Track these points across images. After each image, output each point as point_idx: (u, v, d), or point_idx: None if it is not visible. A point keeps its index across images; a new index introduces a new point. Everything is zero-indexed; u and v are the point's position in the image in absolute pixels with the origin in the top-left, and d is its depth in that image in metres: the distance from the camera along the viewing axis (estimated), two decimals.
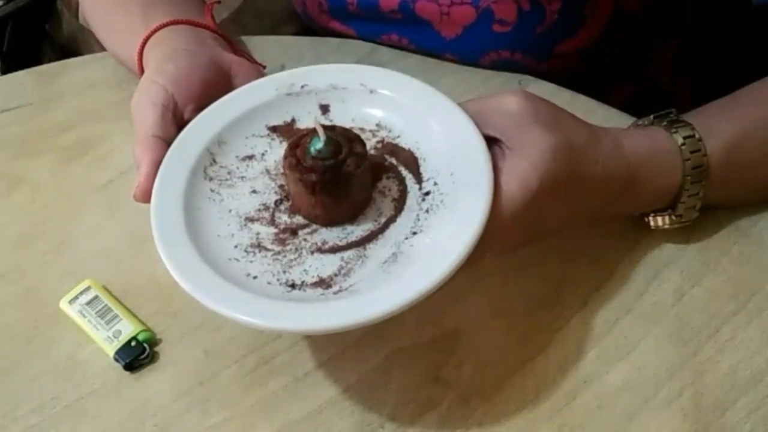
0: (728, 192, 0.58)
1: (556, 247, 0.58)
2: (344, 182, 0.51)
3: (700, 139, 0.55)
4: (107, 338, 0.57)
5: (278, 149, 0.56)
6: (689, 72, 0.86)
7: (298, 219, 0.53)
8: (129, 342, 0.56)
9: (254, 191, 0.55)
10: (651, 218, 0.58)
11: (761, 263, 0.58)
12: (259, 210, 0.54)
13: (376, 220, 0.52)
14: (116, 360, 0.56)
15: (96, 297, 0.59)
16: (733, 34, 0.88)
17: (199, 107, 0.58)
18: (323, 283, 0.50)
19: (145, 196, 0.53)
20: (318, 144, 0.50)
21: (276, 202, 0.54)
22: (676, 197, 0.56)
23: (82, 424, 0.54)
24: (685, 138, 0.55)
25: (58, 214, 0.66)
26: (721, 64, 0.88)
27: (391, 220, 0.52)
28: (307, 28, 0.85)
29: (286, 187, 0.54)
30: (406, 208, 0.52)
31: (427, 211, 0.52)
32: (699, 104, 0.60)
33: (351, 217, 0.53)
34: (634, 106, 0.66)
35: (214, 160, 0.56)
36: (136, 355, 0.56)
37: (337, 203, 0.52)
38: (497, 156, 0.51)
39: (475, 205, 0.49)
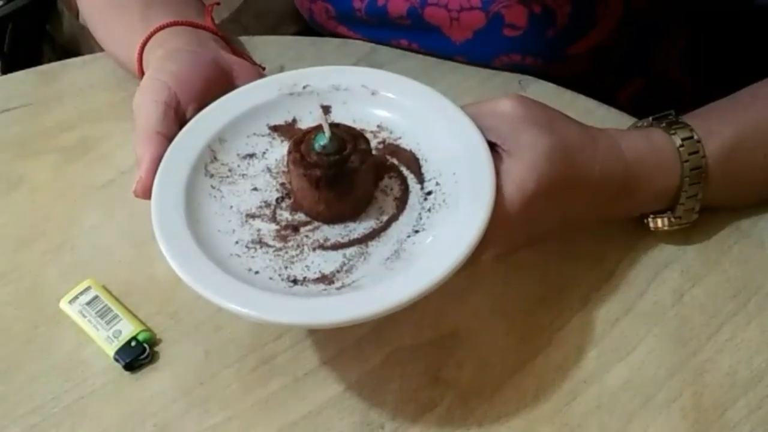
0: (727, 193, 0.58)
1: (556, 247, 0.58)
2: (348, 178, 0.51)
3: (698, 141, 0.55)
4: (107, 338, 0.57)
5: (279, 148, 0.56)
6: (697, 68, 0.86)
7: (300, 216, 0.53)
8: (129, 342, 0.56)
9: (255, 188, 0.55)
10: (650, 220, 0.58)
11: (761, 263, 0.58)
12: (260, 207, 0.54)
13: (378, 218, 0.53)
14: (116, 360, 0.56)
15: (96, 297, 0.59)
16: (739, 31, 0.88)
17: (201, 107, 0.58)
18: (325, 279, 0.50)
19: (146, 192, 0.53)
20: (323, 140, 0.50)
21: (277, 199, 0.54)
22: (674, 199, 0.56)
23: (82, 424, 0.54)
24: (683, 139, 0.55)
25: (58, 214, 0.66)
26: (729, 62, 0.88)
27: (393, 218, 0.52)
28: (307, 27, 0.84)
29: (287, 185, 0.54)
30: (408, 206, 0.53)
31: (429, 210, 0.52)
32: (707, 101, 0.60)
33: (353, 214, 0.53)
34: (643, 103, 0.66)
35: (215, 158, 0.56)
36: (136, 355, 0.56)
37: (340, 199, 0.52)
38: (494, 159, 0.51)
39: (478, 204, 0.49)
